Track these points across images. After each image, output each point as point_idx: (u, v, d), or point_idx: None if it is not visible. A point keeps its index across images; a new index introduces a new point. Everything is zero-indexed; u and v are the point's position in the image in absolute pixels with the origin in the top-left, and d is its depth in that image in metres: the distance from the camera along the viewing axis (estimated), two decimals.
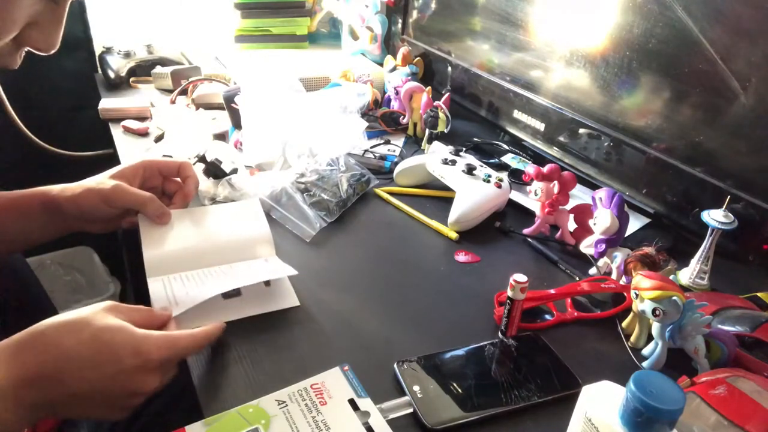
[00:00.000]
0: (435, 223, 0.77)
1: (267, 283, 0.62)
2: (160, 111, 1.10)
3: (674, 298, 0.51)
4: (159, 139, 0.98)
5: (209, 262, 0.62)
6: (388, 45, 1.38)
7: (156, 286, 0.58)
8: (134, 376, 0.45)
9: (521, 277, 0.54)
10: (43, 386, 0.42)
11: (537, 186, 0.74)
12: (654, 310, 0.52)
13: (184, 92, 1.15)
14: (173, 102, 1.14)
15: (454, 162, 0.82)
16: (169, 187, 0.69)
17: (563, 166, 0.80)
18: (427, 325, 0.59)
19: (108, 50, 1.30)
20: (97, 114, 1.09)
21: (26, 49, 0.49)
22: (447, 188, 0.81)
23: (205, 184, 0.75)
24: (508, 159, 0.96)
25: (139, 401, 0.47)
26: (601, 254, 0.67)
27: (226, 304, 0.58)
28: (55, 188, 0.64)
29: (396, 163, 0.91)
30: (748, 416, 0.43)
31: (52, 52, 0.49)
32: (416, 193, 0.86)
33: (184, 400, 0.56)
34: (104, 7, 1.39)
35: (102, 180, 0.64)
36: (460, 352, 0.54)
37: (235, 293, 0.60)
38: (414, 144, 1.04)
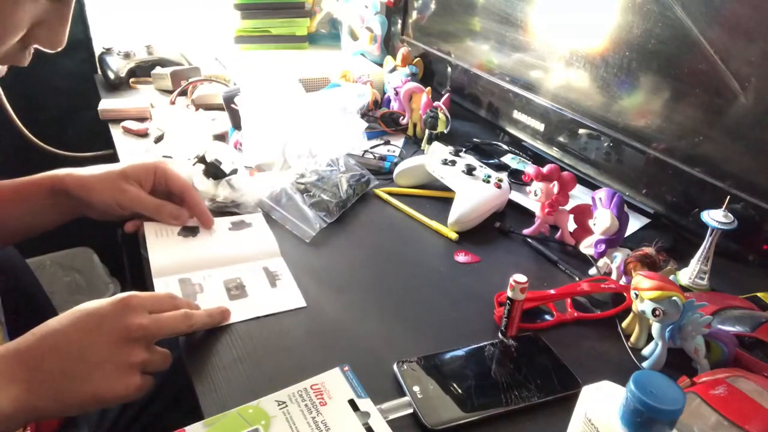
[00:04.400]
0: (435, 224, 0.77)
1: (273, 283, 0.62)
2: (160, 112, 1.10)
3: (674, 298, 0.51)
4: (159, 139, 0.98)
5: (216, 265, 0.64)
6: (388, 45, 1.38)
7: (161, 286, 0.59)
8: (119, 321, 0.46)
9: (521, 278, 0.54)
10: (32, 356, 0.44)
11: (537, 186, 0.74)
12: (654, 310, 0.52)
13: (183, 93, 1.15)
14: (173, 103, 1.14)
15: (453, 162, 0.82)
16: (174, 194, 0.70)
17: (563, 167, 0.80)
18: (427, 326, 0.59)
19: (108, 51, 1.30)
20: (96, 115, 1.09)
21: (34, 47, 0.49)
22: (447, 189, 0.81)
23: (205, 184, 0.75)
24: (508, 159, 0.96)
25: (135, 361, 0.46)
26: (601, 254, 0.67)
27: (231, 305, 0.58)
28: (62, 172, 0.65)
29: (396, 164, 0.91)
30: (748, 416, 0.43)
31: (60, 49, 0.49)
32: (416, 193, 0.86)
33: (184, 400, 0.56)
34: (104, 8, 1.39)
35: (116, 179, 0.65)
36: (460, 352, 0.54)
37: (241, 293, 0.60)
38: (414, 144, 1.04)
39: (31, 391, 0.43)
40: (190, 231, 0.68)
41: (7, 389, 0.42)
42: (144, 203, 0.65)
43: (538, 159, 0.94)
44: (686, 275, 0.68)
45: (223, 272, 0.63)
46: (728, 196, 0.64)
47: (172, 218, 0.66)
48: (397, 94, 1.08)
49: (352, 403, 0.46)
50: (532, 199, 0.75)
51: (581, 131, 0.85)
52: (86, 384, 0.44)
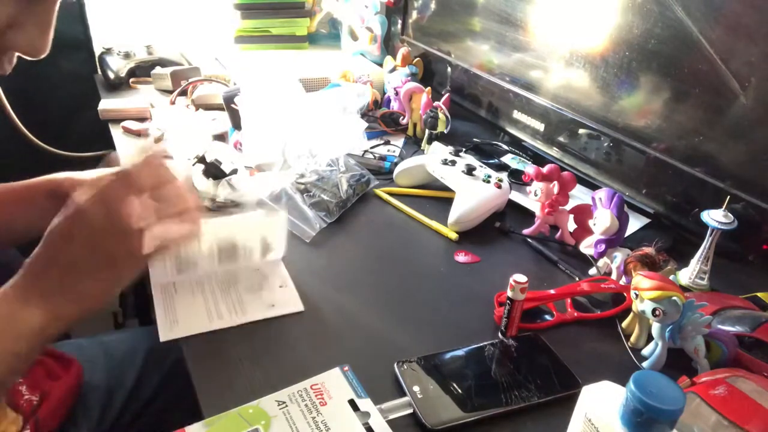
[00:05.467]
0: (435, 224, 0.77)
1: (271, 288, 0.62)
2: (160, 112, 1.10)
3: (674, 298, 0.51)
4: (159, 139, 0.98)
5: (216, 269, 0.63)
6: (388, 45, 1.38)
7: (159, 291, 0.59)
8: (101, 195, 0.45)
9: (521, 278, 0.54)
10: (35, 274, 0.45)
11: (537, 186, 0.74)
12: (654, 310, 0.52)
13: (183, 93, 1.15)
14: (173, 103, 1.14)
15: (453, 162, 0.82)
16: None
17: (563, 167, 0.80)
18: (427, 325, 0.59)
19: (108, 51, 1.30)
20: (96, 115, 1.09)
21: (17, 55, 0.47)
22: (447, 189, 0.81)
23: (205, 184, 0.75)
24: (508, 159, 0.96)
25: (127, 229, 0.45)
26: (601, 254, 0.67)
27: (229, 309, 0.58)
28: (61, 176, 0.65)
29: (396, 164, 0.91)
30: (748, 416, 0.43)
31: (41, 56, 0.47)
32: (416, 193, 0.86)
33: (184, 400, 0.56)
34: (104, 8, 1.39)
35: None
36: (460, 352, 0.54)
37: (238, 297, 0.60)
38: (414, 144, 1.04)
39: (49, 302, 0.44)
40: None
41: (29, 309, 0.44)
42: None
43: (538, 159, 0.94)
44: (686, 275, 0.68)
45: (221, 274, 0.63)
46: (728, 196, 0.64)
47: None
48: (397, 94, 1.08)
49: (352, 403, 0.46)
50: (532, 199, 0.75)
51: (581, 131, 0.85)
52: (89, 281, 0.46)
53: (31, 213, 0.65)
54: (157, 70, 1.24)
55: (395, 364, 0.51)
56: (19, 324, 0.44)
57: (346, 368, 0.50)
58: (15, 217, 0.64)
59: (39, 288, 0.45)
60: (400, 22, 1.33)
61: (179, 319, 0.56)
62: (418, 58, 1.21)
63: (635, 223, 0.78)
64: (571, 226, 0.74)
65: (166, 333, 0.55)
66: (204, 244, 0.61)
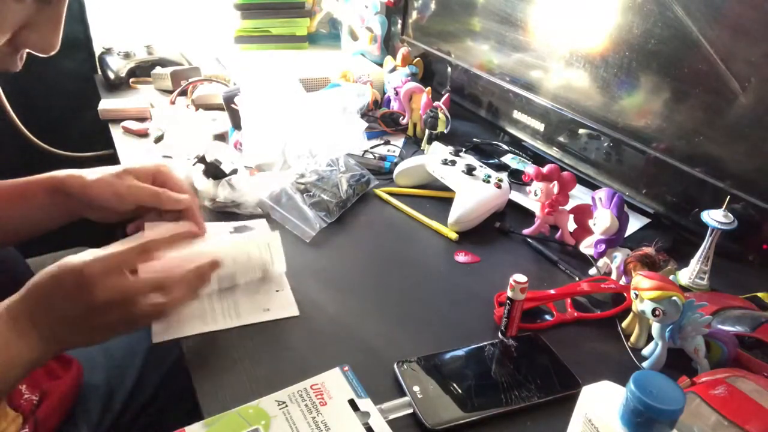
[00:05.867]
0: (435, 224, 0.77)
1: (268, 292, 0.62)
2: (160, 112, 1.10)
3: (674, 298, 0.51)
4: (159, 139, 0.98)
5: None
6: (388, 45, 1.38)
7: None
8: (86, 299, 0.46)
9: (521, 278, 0.54)
10: (28, 312, 0.46)
11: (537, 186, 0.74)
12: (654, 310, 0.52)
13: (183, 93, 1.15)
14: (173, 103, 1.14)
15: (453, 162, 0.82)
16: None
17: (563, 167, 0.80)
18: (427, 325, 0.59)
19: (108, 51, 1.30)
20: (96, 115, 1.09)
21: (27, 51, 0.49)
22: (447, 189, 0.81)
23: (205, 184, 0.75)
24: (508, 159, 0.96)
25: (113, 320, 0.47)
26: (601, 254, 0.67)
27: (224, 311, 0.58)
28: (62, 173, 0.65)
29: (396, 164, 0.91)
30: (748, 416, 0.43)
31: (52, 53, 0.48)
32: (416, 193, 0.86)
33: (184, 400, 0.56)
34: (104, 8, 1.39)
35: (116, 174, 0.64)
36: (460, 352, 0.54)
37: (234, 300, 0.60)
38: (414, 144, 1.04)
39: (42, 341, 0.46)
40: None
41: (24, 340, 0.45)
42: (142, 191, 0.63)
43: (538, 159, 0.94)
44: (686, 275, 0.68)
45: (219, 278, 0.62)
46: (728, 196, 0.64)
47: (171, 203, 0.65)
48: (397, 94, 1.08)
49: (352, 403, 0.46)
50: (532, 199, 0.75)
51: (581, 131, 0.85)
52: (72, 337, 0.47)
53: (30, 210, 0.64)
54: (157, 70, 1.24)
55: (395, 364, 0.51)
56: (13, 353, 0.45)
57: (346, 368, 0.50)
58: (13, 214, 0.64)
59: (36, 328, 0.46)
60: (400, 22, 1.33)
61: (173, 321, 0.56)
62: (418, 58, 1.21)
63: (635, 223, 0.78)
64: (571, 226, 0.74)
65: (159, 335, 0.54)
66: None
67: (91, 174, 0.64)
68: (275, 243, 0.63)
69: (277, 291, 0.62)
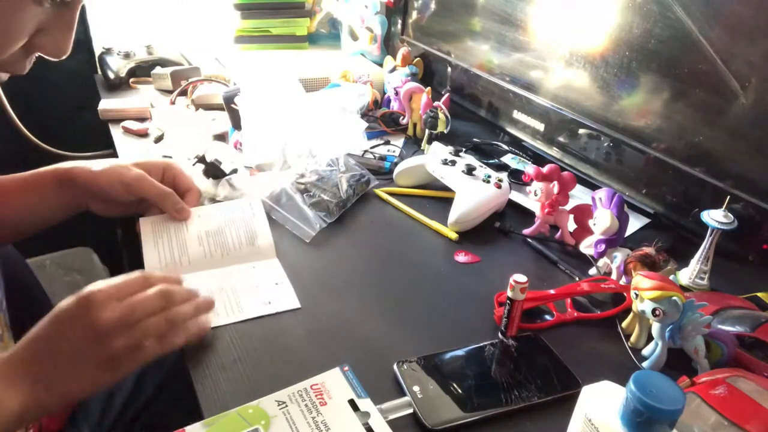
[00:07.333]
0: (435, 224, 0.77)
1: (266, 285, 0.62)
2: (160, 112, 1.10)
3: (674, 298, 0.51)
4: (159, 139, 0.98)
5: (209, 266, 0.64)
6: (388, 45, 1.38)
7: None
8: (86, 320, 0.46)
9: (521, 278, 0.54)
10: (23, 362, 0.45)
11: (537, 186, 0.74)
12: (654, 310, 0.52)
13: (183, 93, 1.15)
14: (173, 103, 1.14)
15: (453, 162, 0.82)
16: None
17: (563, 167, 0.80)
18: (427, 326, 0.59)
19: (108, 51, 1.30)
20: (96, 115, 1.09)
21: (36, 55, 0.48)
22: (447, 189, 0.81)
23: (205, 184, 0.75)
24: (508, 159, 0.96)
25: (115, 353, 0.47)
26: (601, 254, 0.67)
27: (226, 307, 0.58)
28: (68, 164, 0.66)
29: (396, 164, 0.91)
30: (748, 416, 0.43)
31: (64, 57, 0.48)
32: (416, 193, 0.86)
33: (184, 400, 0.56)
34: (104, 8, 1.39)
35: (125, 165, 0.65)
36: (460, 352, 0.54)
37: (232, 296, 0.60)
38: (414, 144, 1.04)
39: (32, 393, 0.44)
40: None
41: (11, 392, 0.44)
42: (150, 185, 0.64)
43: (538, 159, 0.94)
44: (686, 275, 0.68)
45: (215, 272, 0.63)
46: (728, 196, 0.64)
47: (175, 210, 0.66)
48: (397, 94, 1.08)
49: (352, 403, 0.46)
50: (532, 199, 0.75)
51: (581, 131, 0.85)
52: (74, 383, 0.46)
53: (36, 202, 0.65)
54: (157, 70, 1.24)
55: (395, 364, 0.51)
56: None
57: (346, 368, 0.50)
58: (19, 205, 0.64)
59: (30, 373, 0.45)
60: (400, 22, 1.33)
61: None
62: (418, 58, 1.21)
63: (635, 223, 0.78)
64: (571, 226, 0.74)
65: None
66: (191, 230, 0.65)
67: (99, 164, 0.65)
68: (255, 203, 0.70)
69: (276, 284, 0.63)
